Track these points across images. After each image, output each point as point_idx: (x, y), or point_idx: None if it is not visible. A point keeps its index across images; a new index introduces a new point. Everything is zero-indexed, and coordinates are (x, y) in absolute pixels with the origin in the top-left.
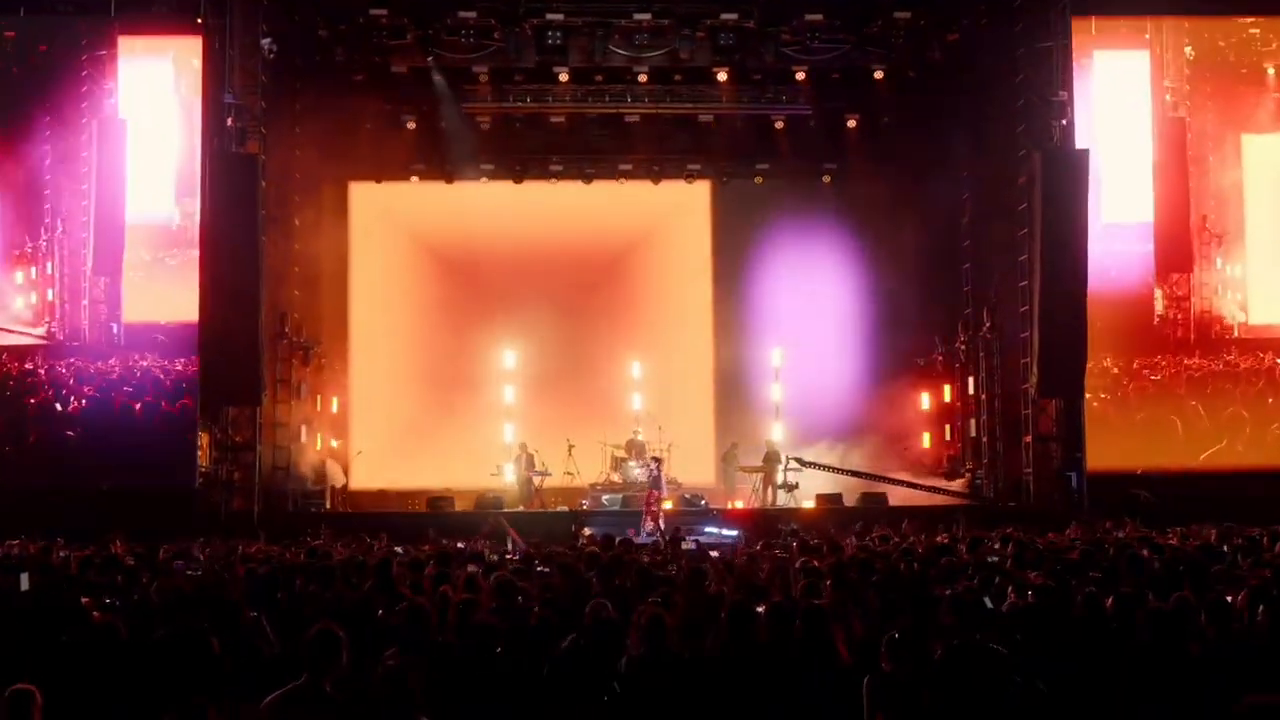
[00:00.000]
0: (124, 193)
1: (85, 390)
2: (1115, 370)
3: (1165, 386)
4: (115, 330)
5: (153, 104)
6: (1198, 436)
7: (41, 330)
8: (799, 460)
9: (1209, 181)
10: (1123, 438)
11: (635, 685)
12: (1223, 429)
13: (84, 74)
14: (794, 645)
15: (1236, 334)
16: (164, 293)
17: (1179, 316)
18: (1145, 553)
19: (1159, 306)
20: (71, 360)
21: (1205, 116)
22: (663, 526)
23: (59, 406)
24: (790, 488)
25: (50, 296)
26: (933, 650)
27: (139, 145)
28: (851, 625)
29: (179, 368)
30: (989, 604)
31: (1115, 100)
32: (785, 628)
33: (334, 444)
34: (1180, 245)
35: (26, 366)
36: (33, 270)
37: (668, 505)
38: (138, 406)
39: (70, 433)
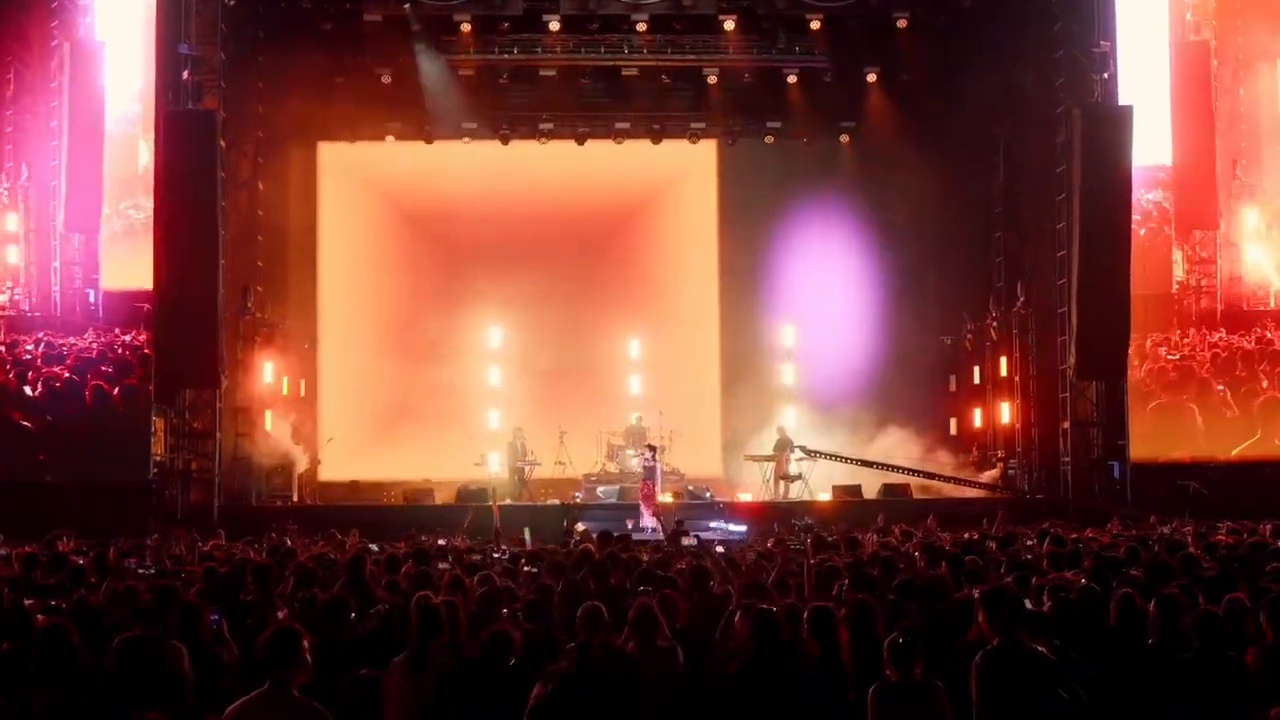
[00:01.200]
0: (102, 131)
1: (56, 371)
2: None
3: (1186, 368)
4: (92, 299)
5: (118, 18)
6: (1224, 426)
7: (4, 299)
8: (804, 449)
9: (1239, 119)
10: (1134, 427)
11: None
12: (1255, 418)
13: None
14: (800, 649)
15: (1272, 304)
16: (149, 255)
17: (1203, 283)
18: (1197, 551)
19: (1178, 272)
20: (41, 335)
21: (1233, 40)
22: (658, 520)
23: (28, 391)
24: (792, 479)
25: (14, 258)
26: (953, 656)
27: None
28: (873, 629)
29: None
30: (1029, 605)
31: (1124, 15)
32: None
33: (301, 431)
34: (1204, 196)
35: None
36: None
37: (666, 498)
38: (116, 391)
39: (30, 422)
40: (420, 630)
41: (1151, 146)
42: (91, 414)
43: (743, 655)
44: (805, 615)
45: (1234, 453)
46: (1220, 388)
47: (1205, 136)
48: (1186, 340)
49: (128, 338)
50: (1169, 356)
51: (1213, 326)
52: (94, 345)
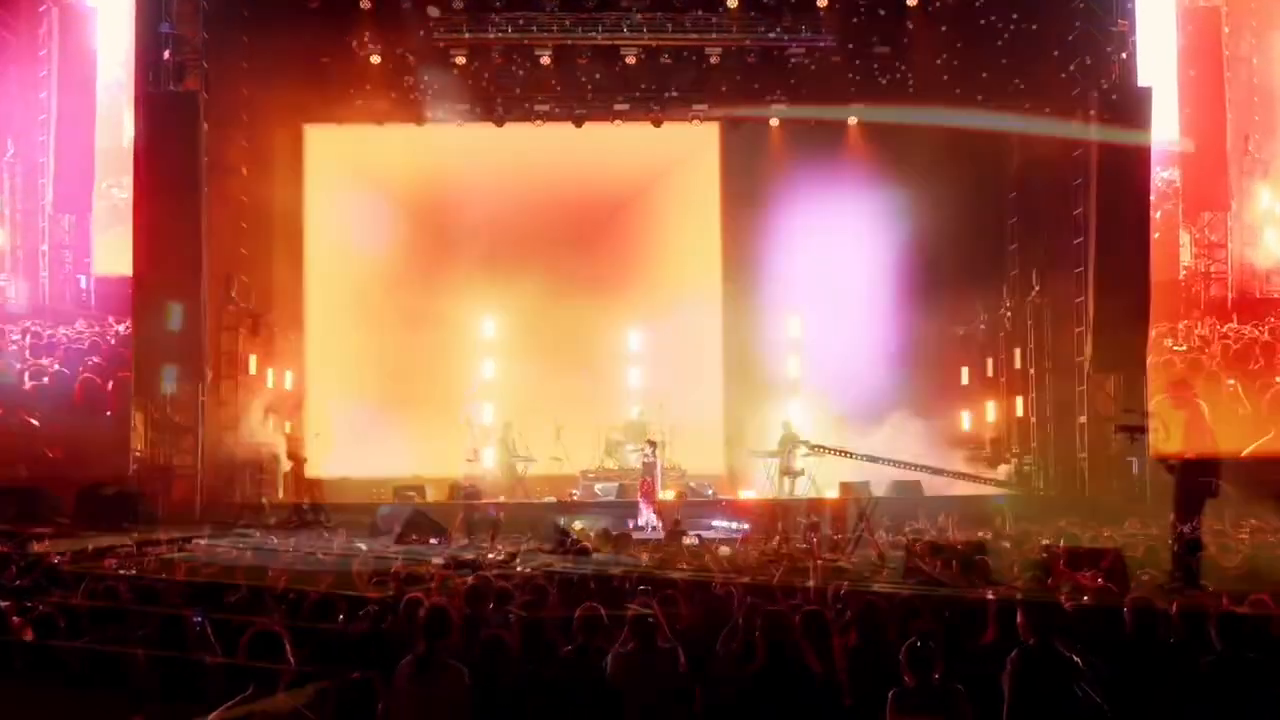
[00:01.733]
0: (94, 104)
1: (44, 364)
2: None
3: (1193, 360)
4: (84, 285)
5: None
6: (1236, 423)
7: None
8: (808, 444)
9: (1253, 90)
10: None
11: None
12: (1266, 414)
13: None
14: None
15: None
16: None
17: (1212, 269)
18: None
19: (1186, 256)
20: (28, 324)
21: (1247, 5)
22: (657, 518)
23: (15, 383)
24: (798, 474)
25: None
26: (967, 658)
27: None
28: (880, 631)
29: None
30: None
31: None
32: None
33: (287, 426)
34: (1214, 174)
35: None
36: None
37: (668, 495)
38: (110, 385)
39: (32, 419)
40: (428, 631)
41: (1157, 121)
42: (81, 408)
43: (749, 658)
44: (798, 620)
45: (1245, 452)
46: (1231, 382)
47: (1216, 109)
48: (1198, 331)
49: (121, 327)
50: (1176, 348)
51: (1223, 316)
52: (85, 335)
